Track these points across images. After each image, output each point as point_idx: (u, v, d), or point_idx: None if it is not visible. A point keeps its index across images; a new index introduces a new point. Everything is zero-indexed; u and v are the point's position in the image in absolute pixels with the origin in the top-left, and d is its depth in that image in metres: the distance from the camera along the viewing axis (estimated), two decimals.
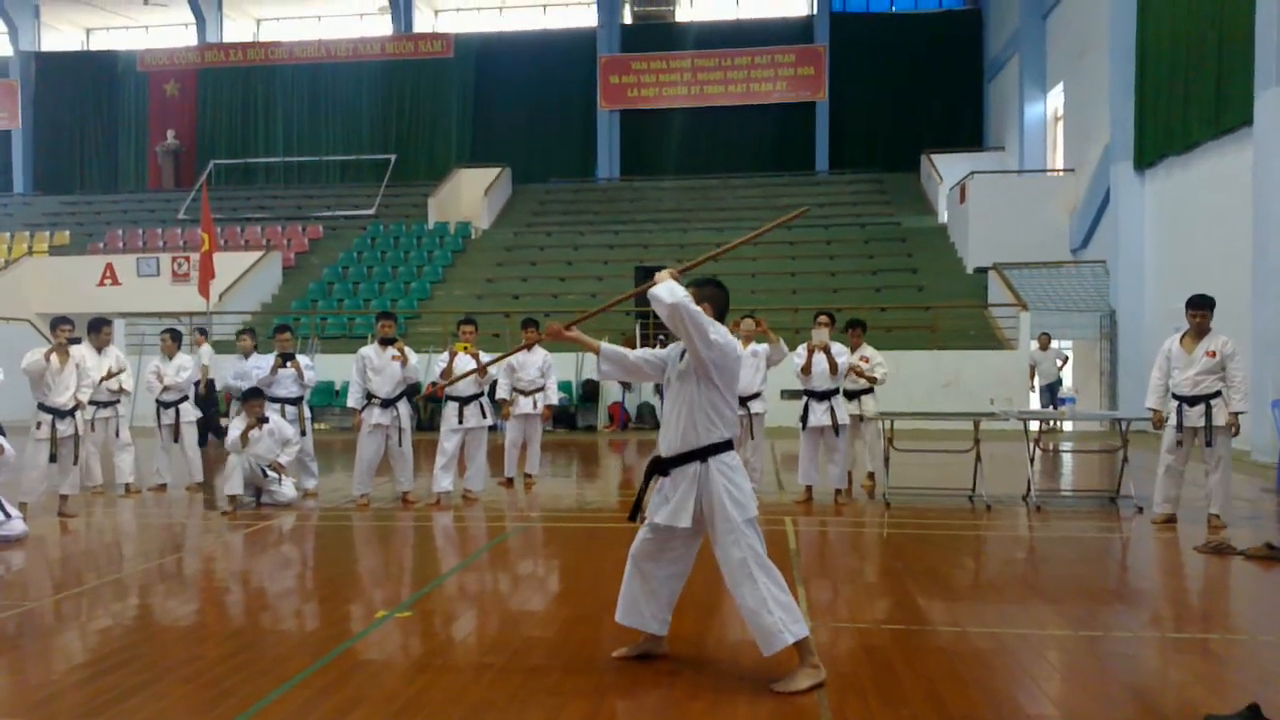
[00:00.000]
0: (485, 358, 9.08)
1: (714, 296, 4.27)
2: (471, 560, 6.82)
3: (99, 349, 9.47)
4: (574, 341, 4.41)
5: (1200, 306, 7.72)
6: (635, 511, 4.34)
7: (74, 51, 33.35)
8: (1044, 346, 16.86)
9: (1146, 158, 15.96)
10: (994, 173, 22.42)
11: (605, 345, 4.41)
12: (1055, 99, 22.71)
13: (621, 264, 21.83)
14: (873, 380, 9.23)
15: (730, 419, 4.19)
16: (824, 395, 8.78)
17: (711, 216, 25.67)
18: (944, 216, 23.77)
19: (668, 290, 4.01)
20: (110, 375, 9.47)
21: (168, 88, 31.12)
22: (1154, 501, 7.87)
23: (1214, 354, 7.55)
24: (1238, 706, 3.59)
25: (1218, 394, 7.54)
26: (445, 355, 9.13)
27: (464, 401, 9.06)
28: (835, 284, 20.71)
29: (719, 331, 4.10)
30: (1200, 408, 7.55)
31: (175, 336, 10.22)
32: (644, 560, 4.32)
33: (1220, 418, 7.52)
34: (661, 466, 4.21)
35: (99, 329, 9.51)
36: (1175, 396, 7.66)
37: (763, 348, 8.94)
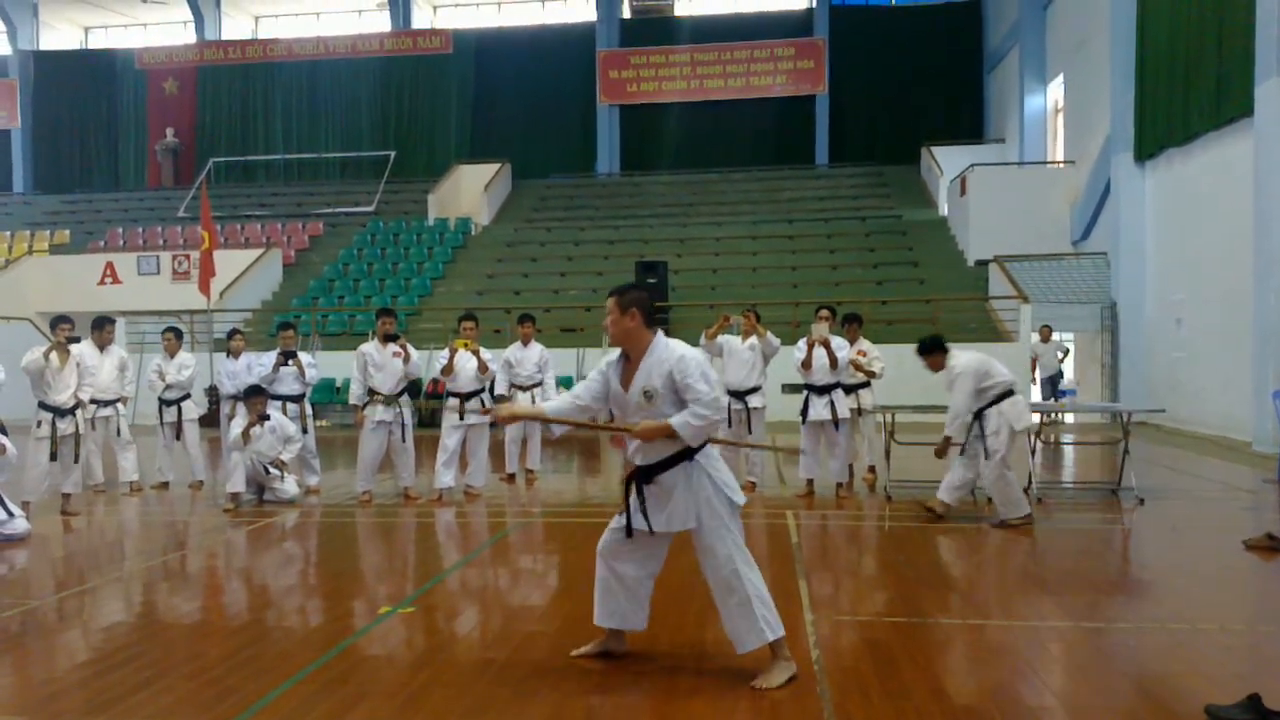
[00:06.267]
0: (486, 354, 9.09)
1: (639, 301, 4.10)
2: (474, 556, 6.83)
3: (101, 347, 9.48)
4: (523, 418, 4.22)
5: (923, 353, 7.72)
6: (630, 527, 4.14)
7: (73, 50, 33.31)
8: (1045, 339, 16.85)
9: (1147, 149, 15.94)
10: (994, 165, 22.38)
11: (549, 407, 4.24)
12: (1055, 90, 22.67)
13: (622, 259, 21.80)
14: (871, 374, 9.24)
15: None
16: (824, 389, 8.78)
17: (712, 210, 25.65)
18: (944, 209, 23.74)
19: (654, 429, 3.96)
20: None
21: (166, 86, 31.09)
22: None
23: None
24: (1238, 697, 3.59)
25: None
26: (446, 352, 9.12)
27: (465, 398, 9.06)
28: (836, 277, 20.68)
29: (708, 381, 3.99)
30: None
31: (177, 335, 10.24)
32: (617, 560, 4.23)
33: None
34: (645, 475, 4.08)
35: (102, 327, 9.52)
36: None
37: (760, 342, 8.95)
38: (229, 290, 20.54)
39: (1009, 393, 7.46)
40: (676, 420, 3.94)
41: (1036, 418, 7.32)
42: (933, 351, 7.61)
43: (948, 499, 7.65)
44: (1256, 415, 11.71)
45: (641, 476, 4.09)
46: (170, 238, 25.28)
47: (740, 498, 4.11)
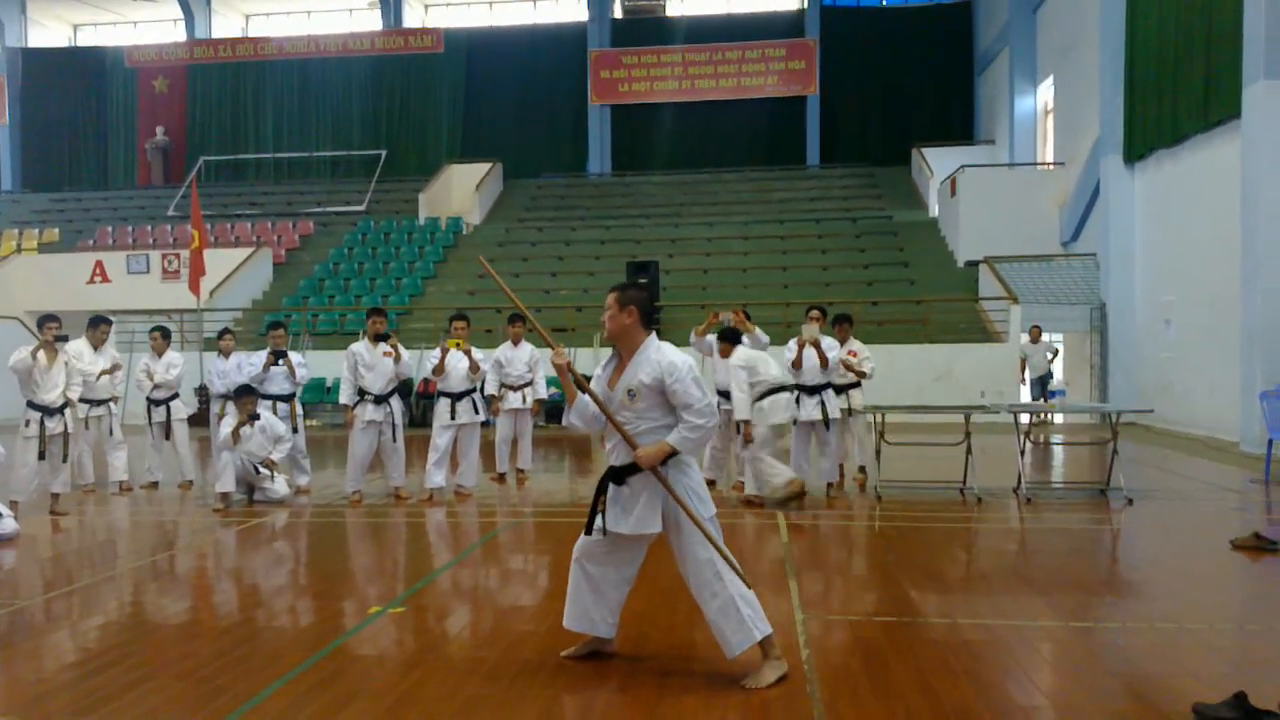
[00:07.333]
0: (477, 354, 9.08)
1: (638, 299, 4.10)
2: (464, 556, 6.83)
3: (95, 346, 9.45)
4: (565, 381, 4.12)
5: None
6: (591, 524, 4.17)
7: (61, 48, 33.11)
8: (1035, 339, 16.91)
9: (1136, 151, 16.01)
10: (984, 166, 22.43)
11: (581, 397, 4.17)
12: (1045, 92, 22.75)
13: (613, 259, 21.81)
14: (861, 374, 9.25)
15: None
16: (814, 389, 8.79)
17: (703, 211, 25.67)
18: (935, 210, 23.80)
19: (655, 455, 3.95)
20: (112, 369, 9.51)
21: (156, 84, 30.94)
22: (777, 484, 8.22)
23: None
24: (1225, 695, 3.62)
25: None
26: (437, 351, 9.11)
27: (456, 398, 9.05)
28: (827, 278, 20.72)
29: (701, 386, 4.00)
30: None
31: (164, 334, 10.19)
32: (594, 564, 4.22)
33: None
34: (616, 476, 4.08)
35: (97, 326, 9.48)
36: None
37: (749, 338, 8.96)
38: (219, 289, 20.47)
39: (777, 390, 8.16)
40: (674, 439, 3.96)
41: (786, 416, 8.25)
42: (726, 340, 8.57)
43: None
44: (1244, 416, 11.78)
45: (613, 477, 4.10)
46: (160, 236, 25.17)
47: (713, 508, 4.11)
